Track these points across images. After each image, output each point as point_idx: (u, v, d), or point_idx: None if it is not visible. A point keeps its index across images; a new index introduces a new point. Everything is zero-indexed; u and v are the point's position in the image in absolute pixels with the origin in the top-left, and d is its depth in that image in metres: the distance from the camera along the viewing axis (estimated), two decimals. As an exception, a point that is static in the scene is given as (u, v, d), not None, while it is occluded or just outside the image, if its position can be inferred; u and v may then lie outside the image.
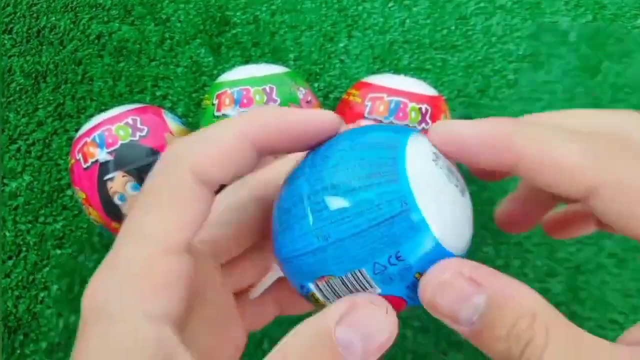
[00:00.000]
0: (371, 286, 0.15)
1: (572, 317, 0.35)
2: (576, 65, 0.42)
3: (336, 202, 0.15)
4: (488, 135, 0.16)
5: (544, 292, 0.18)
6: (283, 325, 0.18)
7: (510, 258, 0.38)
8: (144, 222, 0.15)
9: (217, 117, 0.34)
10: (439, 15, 0.44)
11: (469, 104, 0.41)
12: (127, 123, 0.33)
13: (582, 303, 0.36)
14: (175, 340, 0.14)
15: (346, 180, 0.15)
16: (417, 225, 0.14)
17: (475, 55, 0.43)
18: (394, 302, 0.15)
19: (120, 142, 0.32)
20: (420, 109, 0.33)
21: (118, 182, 0.32)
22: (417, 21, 0.44)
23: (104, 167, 0.32)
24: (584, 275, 0.37)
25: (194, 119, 0.42)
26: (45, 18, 0.46)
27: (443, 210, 0.15)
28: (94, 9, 0.46)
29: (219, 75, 0.37)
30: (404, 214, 0.14)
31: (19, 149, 0.42)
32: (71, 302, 0.38)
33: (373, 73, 0.42)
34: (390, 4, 0.45)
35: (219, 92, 0.34)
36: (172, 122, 0.35)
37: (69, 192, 0.40)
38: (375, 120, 0.33)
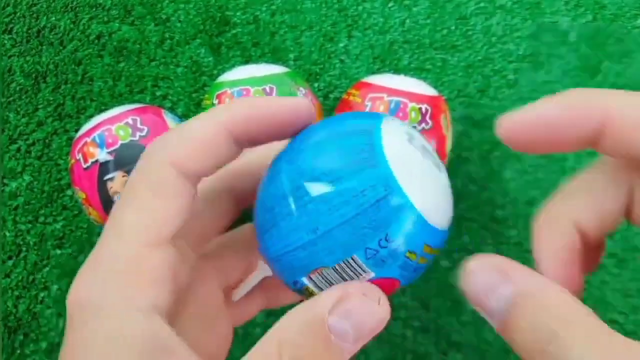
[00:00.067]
0: (364, 271, 0.15)
1: (572, 317, 0.35)
2: (576, 65, 0.42)
3: (320, 194, 0.15)
4: (567, 106, 0.15)
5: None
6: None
7: (510, 258, 0.37)
8: (124, 219, 0.15)
9: (217, 117, 0.34)
10: (439, 15, 0.44)
11: (469, 104, 0.41)
12: (127, 123, 0.33)
13: (582, 303, 0.36)
14: (167, 329, 0.14)
15: (328, 172, 0.15)
16: (402, 206, 0.15)
17: (475, 55, 0.43)
18: (388, 283, 0.16)
19: (120, 142, 0.32)
20: (420, 109, 0.33)
21: (118, 182, 0.32)
22: (417, 21, 0.44)
23: (104, 167, 0.32)
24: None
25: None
26: (45, 18, 0.46)
27: (424, 188, 0.15)
28: (94, 9, 0.46)
29: (219, 75, 0.37)
30: (388, 197, 0.15)
31: (19, 149, 0.42)
32: (71, 302, 0.38)
33: (373, 73, 0.42)
34: (390, 4, 0.45)
35: (219, 92, 0.34)
36: (172, 122, 0.35)
37: (69, 192, 0.40)
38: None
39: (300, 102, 0.17)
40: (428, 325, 0.36)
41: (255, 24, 0.45)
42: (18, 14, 0.46)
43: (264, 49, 0.44)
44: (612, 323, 0.36)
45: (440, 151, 0.34)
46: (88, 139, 0.33)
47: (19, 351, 0.37)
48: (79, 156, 0.33)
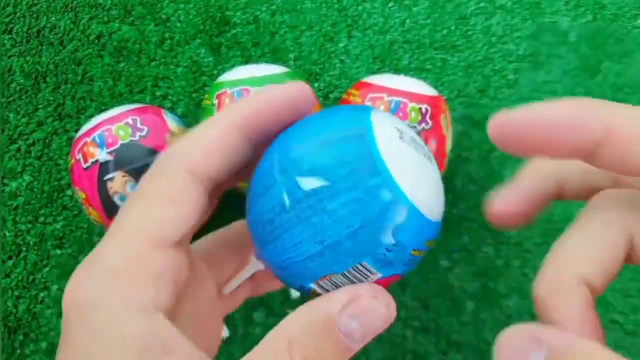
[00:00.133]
0: (372, 273, 0.15)
1: (572, 317, 0.35)
2: (576, 65, 0.42)
3: (324, 206, 0.15)
4: (570, 112, 0.14)
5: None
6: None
7: (510, 258, 0.38)
8: (126, 220, 0.15)
9: (217, 117, 0.34)
10: (439, 15, 0.44)
11: (469, 104, 0.41)
12: (127, 123, 0.33)
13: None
14: (169, 327, 0.14)
15: (329, 183, 0.15)
16: (407, 209, 0.15)
17: (475, 55, 0.43)
18: (392, 279, 0.16)
19: (120, 142, 0.32)
20: (420, 109, 0.33)
21: (118, 182, 0.32)
22: (417, 21, 0.44)
23: (104, 167, 0.32)
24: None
25: (194, 119, 0.42)
26: (45, 18, 0.46)
27: (422, 186, 0.15)
28: (94, 9, 0.46)
29: (219, 75, 0.37)
30: (393, 203, 0.15)
31: (19, 149, 0.42)
32: (71, 302, 0.38)
33: (373, 73, 0.42)
34: (390, 4, 0.45)
35: (219, 92, 0.34)
36: (172, 122, 0.35)
37: (69, 192, 0.40)
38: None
39: (302, 86, 0.17)
40: (428, 325, 0.36)
41: (255, 24, 0.45)
42: (18, 14, 0.46)
43: (264, 49, 0.44)
44: (612, 323, 0.36)
45: (440, 151, 0.34)
46: (88, 139, 0.33)
47: (19, 351, 0.37)
48: (79, 156, 0.33)
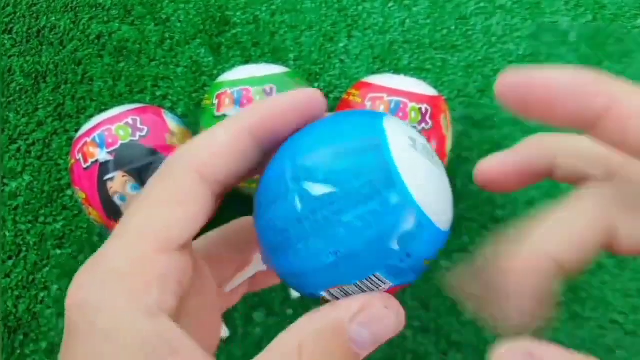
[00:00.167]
0: (384, 283, 0.15)
1: (573, 317, 0.35)
2: (576, 65, 0.42)
3: (340, 218, 0.15)
4: (577, 79, 0.15)
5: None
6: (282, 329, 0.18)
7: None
8: (131, 222, 0.15)
9: (217, 117, 0.34)
10: (439, 15, 0.44)
11: (469, 104, 0.41)
12: (127, 123, 0.33)
13: (583, 303, 0.36)
14: (174, 328, 0.14)
15: (344, 194, 0.15)
16: (420, 221, 0.15)
17: (475, 55, 0.43)
18: (402, 287, 0.16)
19: (120, 142, 0.32)
20: (420, 109, 0.33)
21: (118, 182, 0.32)
22: (417, 21, 0.44)
23: (104, 167, 0.32)
24: (584, 275, 0.37)
25: (194, 119, 0.42)
26: (45, 18, 0.46)
27: (435, 196, 0.15)
28: (94, 9, 0.46)
29: (219, 75, 0.37)
30: (408, 215, 0.15)
31: (19, 149, 0.42)
32: (71, 302, 0.38)
33: (373, 73, 0.42)
34: (390, 4, 0.45)
35: (219, 92, 0.34)
36: (172, 122, 0.35)
37: (69, 192, 0.40)
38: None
39: (313, 93, 0.17)
40: (428, 325, 0.36)
41: (255, 24, 0.45)
42: (18, 14, 0.46)
43: (264, 49, 0.44)
44: (612, 323, 0.36)
45: (440, 151, 0.34)
46: (88, 139, 0.33)
47: (19, 351, 0.37)
48: (79, 156, 0.33)
